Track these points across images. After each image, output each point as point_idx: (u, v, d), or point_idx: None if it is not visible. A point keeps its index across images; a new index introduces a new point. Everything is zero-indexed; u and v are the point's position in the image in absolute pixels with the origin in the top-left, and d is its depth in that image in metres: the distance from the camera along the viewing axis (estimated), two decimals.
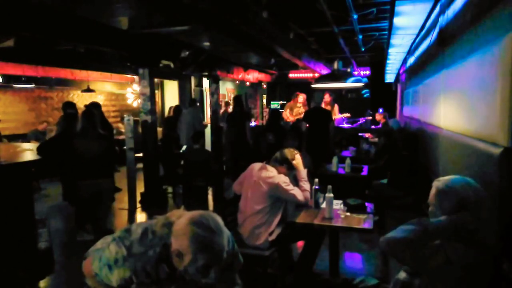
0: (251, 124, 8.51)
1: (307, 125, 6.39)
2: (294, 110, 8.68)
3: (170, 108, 8.61)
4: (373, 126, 8.40)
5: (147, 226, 1.52)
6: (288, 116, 8.63)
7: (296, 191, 3.03)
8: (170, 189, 6.32)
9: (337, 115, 8.26)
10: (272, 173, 3.08)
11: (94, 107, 5.49)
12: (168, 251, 1.44)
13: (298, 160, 3.19)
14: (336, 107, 8.32)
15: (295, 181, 3.19)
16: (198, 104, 8.05)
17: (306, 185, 3.16)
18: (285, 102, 10.21)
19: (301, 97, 8.65)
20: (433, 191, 1.70)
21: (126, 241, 1.47)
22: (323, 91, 7.55)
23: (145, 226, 1.52)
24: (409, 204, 3.56)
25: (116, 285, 1.47)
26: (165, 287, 1.51)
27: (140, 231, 1.49)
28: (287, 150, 3.22)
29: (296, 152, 3.23)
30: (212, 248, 1.36)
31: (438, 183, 1.69)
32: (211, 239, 1.36)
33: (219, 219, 1.44)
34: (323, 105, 7.80)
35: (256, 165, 3.20)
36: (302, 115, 8.57)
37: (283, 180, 3.02)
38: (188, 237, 1.35)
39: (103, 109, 7.43)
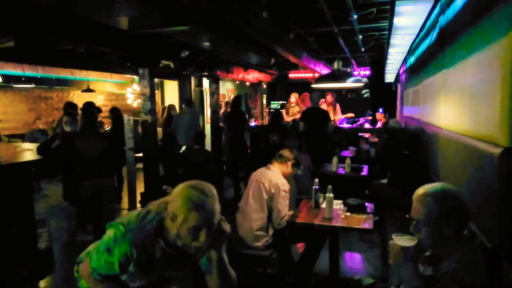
0: (250, 124, 8.53)
1: (304, 124, 6.39)
2: (290, 110, 8.80)
3: (164, 108, 8.45)
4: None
5: (141, 209, 1.60)
6: (285, 116, 8.72)
7: (283, 209, 3.00)
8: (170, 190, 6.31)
9: (339, 115, 8.27)
10: (276, 174, 3.10)
11: (91, 107, 5.50)
12: (164, 224, 1.51)
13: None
14: (338, 107, 8.36)
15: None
16: (193, 106, 8.03)
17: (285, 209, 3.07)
18: (285, 102, 10.27)
19: (293, 97, 8.84)
20: (420, 202, 1.64)
21: (123, 221, 1.53)
22: (321, 91, 7.56)
23: (139, 210, 1.60)
24: (409, 204, 3.55)
25: (117, 266, 1.50)
26: (159, 269, 1.56)
27: (135, 213, 1.57)
28: (289, 150, 3.28)
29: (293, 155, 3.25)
30: (203, 209, 1.44)
31: (425, 191, 1.63)
32: (203, 200, 1.45)
33: (213, 188, 1.53)
34: (325, 106, 7.86)
35: (261, 168, 3.23)
36: (297, 115, 8.67)
37: (284, 189, 3.03)
38: (182, 198, 1.46)
39: (103, 109, 7.46)
